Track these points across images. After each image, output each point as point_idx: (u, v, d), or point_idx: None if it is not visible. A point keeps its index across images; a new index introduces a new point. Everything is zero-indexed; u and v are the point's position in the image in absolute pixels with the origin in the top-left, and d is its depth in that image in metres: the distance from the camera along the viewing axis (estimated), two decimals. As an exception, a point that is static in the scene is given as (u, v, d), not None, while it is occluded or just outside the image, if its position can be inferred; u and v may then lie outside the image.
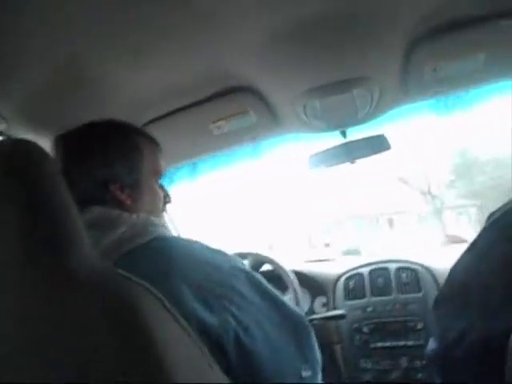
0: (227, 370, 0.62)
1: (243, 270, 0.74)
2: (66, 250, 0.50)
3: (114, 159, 0.80)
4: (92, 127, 0.82)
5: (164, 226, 0.79)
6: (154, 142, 0.90)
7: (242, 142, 1.35)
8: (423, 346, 1.39)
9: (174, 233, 1.71)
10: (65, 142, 0.82)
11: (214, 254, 0.74)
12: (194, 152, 1.42)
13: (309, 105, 1.11)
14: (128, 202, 0.79)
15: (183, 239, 0.77)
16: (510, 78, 1.17)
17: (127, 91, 1.01)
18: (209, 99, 1.13)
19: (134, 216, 0.75)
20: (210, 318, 0.63)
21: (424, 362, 1.38)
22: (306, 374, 0.76)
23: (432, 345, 0.70)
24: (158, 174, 0.89)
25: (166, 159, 1.39)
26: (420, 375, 1.38)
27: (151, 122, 1.18)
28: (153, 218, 0.78)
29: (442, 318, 0.67)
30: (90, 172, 0.78)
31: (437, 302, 0.71)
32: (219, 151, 1.43)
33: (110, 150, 0.81)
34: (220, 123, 1.20)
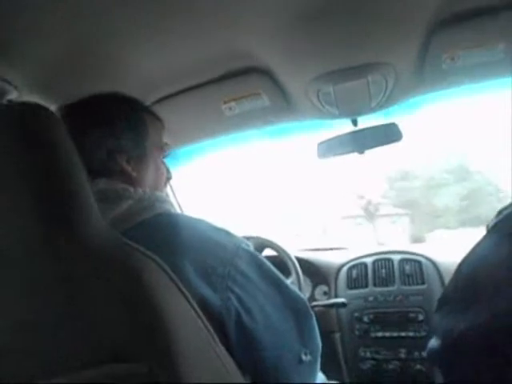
0: (227, 349, 0.63)
1: (247, 251, 0.74)
2: (77, 219, 0.51)
3: (121, 131, 0.80)
4: (99, 98, 0.82)
5: (169, 202, 0.79)
6: (158, 119, 0.90)
7: (253, 124, 1.34)
8: (423, 338, 1.39)
9: (178, 210, 1.72)
10: (71, 111, 0.82)
11: (218, 233, 0.73)
12: (205, 132, 1.42)
13: (323, 90, 1.10)
14: (134, 174, 0.80)
15: (188, 216, 0.77)
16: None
17: (139, 68, 1.00)
18: (221, 79, 1.12)
19: (140, 190, 0.75)
20: (213, 297, 0.64)
21: (423, 353, 1.39)
22: (305, 358, 0.76)
23: (434, 343, 0.70)
24: (161, 150, 0.90)
25: (176, 138, 1.40)
26: (418, 366, 1.39)
27: (162, 99, 1.17)
28: (159, 194, 0.78)
29: (446, 317, 0.67)
30: (98, 142, 0.78)
31: (441, 301, 0.71)
32: (230, 133, 1.43)
33: (117, 121, 0.81)
34: (232, 104, 1.19)
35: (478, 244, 0.64)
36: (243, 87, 1.13)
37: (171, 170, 0.96)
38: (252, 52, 1.00)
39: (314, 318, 0.82)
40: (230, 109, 1.21)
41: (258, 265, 0.74)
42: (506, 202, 0.63)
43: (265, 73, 1.08)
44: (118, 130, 0.80)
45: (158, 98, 1.18)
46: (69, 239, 0.49)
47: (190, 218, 0.76)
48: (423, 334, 1.40)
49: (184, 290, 0.55)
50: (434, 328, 0.70)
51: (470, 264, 0.64)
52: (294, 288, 0.80)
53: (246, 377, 0.68)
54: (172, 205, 0.80)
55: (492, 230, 0.62)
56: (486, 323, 0.56)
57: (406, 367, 1.41)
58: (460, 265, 0.66)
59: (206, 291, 0.63)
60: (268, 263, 0.77)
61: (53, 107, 0.97)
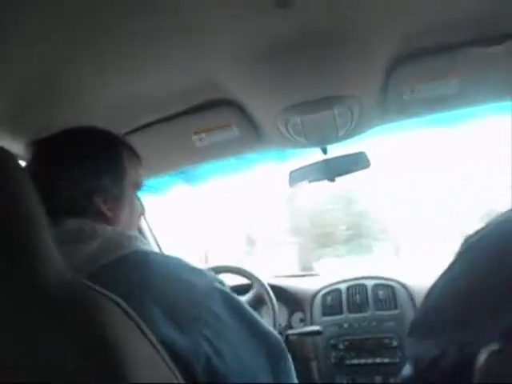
0: None
1: (220, 290, 0.71)
2: (33, 263, 0.49)
3: (101, 170, 0.78)
4: (74, 133, 0.80)
5: (141, 239, 0.76)
6: (135, 154, 0.89)
7: (224, 155, 1.36)
8: (398, 364, 1.40)
9: (153, 246, 1.70)
10: (45, 146, 0.79)
11: (190, 273, 0.71)
12: (175, 163, 1.42)
13: (291, 121, 1.13)
14: (109, 213, 0.78)
15: (160, 255, 0.75)
16: (486, 103, 1.21)
17: (107, 100, 1.01)
18: (192, 111, 1.13)
19: (109, 229, 0.72)
20: (181, 340, 0.61)
21: (398, 380, 1.38)
22: None
23: (407, 370, 0.70)
24: (137, 186, 0.88)
25: (146, 170, 1.39)
26: (394, 393, 1.39)
27: (132, 131, 1.17)
28: (129, 232, 0.75)
29: (417, 344, 0.68)
30: (75, 181, 0.75)
31: (412, 327, 0.71)
32: (201, 163, 1.43)
33: (98, 159, 0.79)
34: (202, 135, 1.20)
35: (445, 271, 0.65)
36: (214, 119, 1.15)
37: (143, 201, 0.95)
38: (222, 84, 1.02)
39: (290, 357, 0.80)
40: (201, 140, 1.22)
41: (232, 305, 0.72)
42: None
43: (235, 105, 1.10)
44: (97, 169, 0.78)
45: (129, 129, 1.18)
46: (24, 285, 0.48)
47: (162, 257, 0.73)
48: (397, 360, 1.40)
49: (149, 333, 0.53)
50: (407, 354, 0.70)
51: (436, 292, 0.66)
52: (270, 328, 0.78)
53: None
54: (145, 242, 0.77)
55: (456, 259, 0.64)
56: (451, 353, 0.57)
57: (382, 394, 1.41)
58: (429, 291, 0.67)
59: (175, 335, 0.60)
60: (243, 302, 0.75)
61: (19, 143, 0.96)
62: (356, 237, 2.61)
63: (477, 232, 0.62)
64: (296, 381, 0.81)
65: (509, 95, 1.14)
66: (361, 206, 2.70)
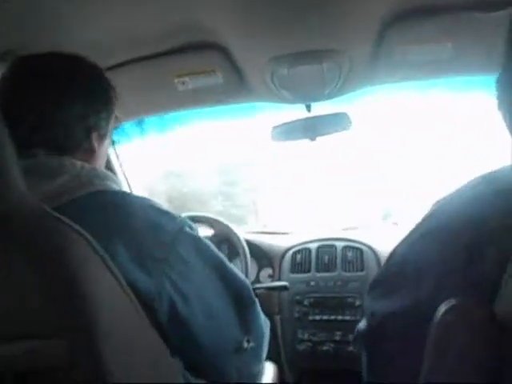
0: (160, 334, 0.61)
1: (189, 234, 0.71)
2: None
3: (100, 106, 0.76)
4: (62, 60, 0.75)
5: (112, 178, 0.74)
6: (114, 89, 0.84)
7: (207, 102, 1.32)
8: (358, 322, 1.44)
9: (125, 188, 1.67)
10: (32, 68, 0.73)
11: (160, 214, 0.70)
12: (156, 106, 1.38)
13: (277, 72, 1.09)
14: (97, 150, 0.76)
15: (131, 195, 0.73)
16: (477, 74, 1.20)
17: (86, 33, 0.95)
18: (175, 51, 1.08)
19: (79, 165, 0.69)
20: (146, 282, 0.61)
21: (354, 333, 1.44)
22: (247, 345, 0.76)
23: (363, 323, 0.73)
24: (115, 124, 0.86)
25: (125, 110, 1.34)
26: (351, 348, 1.45)
27: (111, 68, 1.11)
28: (100, 170, 0.73)
29: (375, 300, 0.69)
30: (77, 117, 0.72)
31: (372, 285, 0.73)
32: (183, 109, 1.39)
33: (96, 94, 0.76)
34: (185, 79, 1.16)
35: (411, 232, 0.66)
36: (198, 62, 1.10)
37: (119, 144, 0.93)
38: (209, 26, 0.97)
39: (258, 305, 0.82)
40: (183, 83, 1.17)
41: (201, 249, 0.72)
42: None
43: (221, 49, 1.06)
44: (97, 104, 0.75)
45: (108, 65, 1.12)
46: None
47: (132, 197, 0.72)
48: (358, 317, 1.45)
49: (114, 268, 0.52)
50: (365, 309, 0.72)
51: (400, 251, 0.67)
52: (239, 274, 0.79)
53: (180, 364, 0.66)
54: (115, 181, 0.75)
55: (423, 221, 0.65)
56: (407, 309, 0.58)
57: (340, 349, 1.46)
58: (393, 250, 0.68)
59: (138, 275, 0.60)
60: (213, 248, 0.75)
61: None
62: (231, 207, 2.63)
63: (445, 196, 0.62)
64: (264, 326, 0.83)
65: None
66: (234, 176, 2.69)
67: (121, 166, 1.68)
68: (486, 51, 1.05)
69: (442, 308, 0.45)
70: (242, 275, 0.80)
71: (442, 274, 0.54)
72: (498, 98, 0.58)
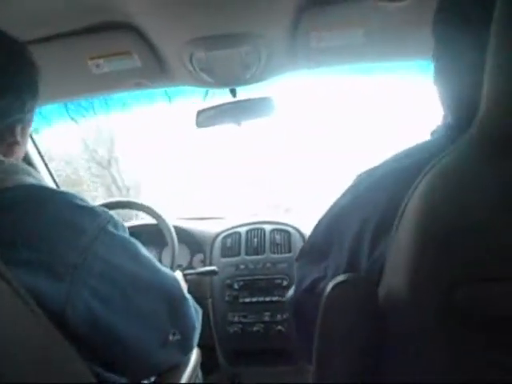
0: (74, 340, 0.57)
1: (111, 233, 0.66)
2: None
3: (26, 96, 0.68)
4: None
5: (28, 172, 0.67)
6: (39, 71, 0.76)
7: (125, 86, 1.26)
8: (285, 302, 1.50)
9: (46, 180, 1.58)
10: None
11: (79, 213, 0.64)
12: (71, 90, 1.30)
13: (196, 55, 1.07)
14: (20, 141, 0.70)
15: (47, 190, 0.65)
16: (389, 60, 1.25)
17: None
18: (88, 31, 1.02)
19: None
20: (54, 287, 0.56)
21: (284, 315, 1.50)
22: (172, 338, 0.75)
23: (291, 291, 0.75)
24: None
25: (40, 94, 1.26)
26: (279, 327, 1.49)
27: None
28: (9, 163, 0.65)
29: (302, 267, 0.72)
30: (3, 114, 0.65)
31: (300, 253, 0.75)
32: (100, 93, 1.33)
33: (22, 79, 0.68)
34: (100, 61, 1.10)
35: (334, 204, 0.68)
36: (112, 44, 1.05)
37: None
38: (123, 6, 0.93)
39: (189, 301, 0.81)
40: (98, 66, 1.12)
41: (125, 247, 0.68)
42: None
43: (135, 30, 1.02)
44: (23, 96, 0.68)
45: None
46: None
47: (49, 194, 0.64)
48: (285, 298, 1.50)
49: (7, 276, 0.48)
50: (294, 278, 0.74)
51: (324, 221, 0.69)
52: (168, 271, 0.77)
53: (95, 366, 0.62)
54: (34, 175, 0.68)
55: (345, 192, 0.67)
56: (330, 275, 0.61)
57: (268, 329, 1.50)
58: (318, 221, 0.70)
59: (46, 283, 0.55)
60: (137, 245, 0.71)
61: None
62: (103, 186, 2.64)
63: (368, 169, 0.65)
64: (194, 319, 0.82)
65: (413, 54, 1.19)
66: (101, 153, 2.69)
67: (40, 155, 1.59)
68: (395, 38, 1.10)
69: (331, 283, 0.47)
70: (170, 272, 0.78)
71: (356, 245, 0.57)
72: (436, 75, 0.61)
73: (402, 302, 0.40)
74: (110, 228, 0.66)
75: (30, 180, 0.65)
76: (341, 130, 2.27)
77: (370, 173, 0.64)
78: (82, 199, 0.66)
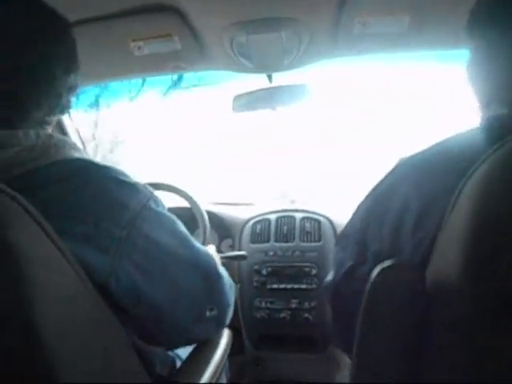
0: (116, 311, 0.60)
1: (153, 210, 0.68)
2: None
3: (74, 64, 0.72)
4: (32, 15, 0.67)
5: (72, 145, 0.69)
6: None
7: (165, 68, 1.28)
8: (314, 290, 1.50)
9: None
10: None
11: (122, 188, 0.65)
12: (112, 71, 1.32)
13: (236, 39, 1.07)
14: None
15: (92, 165, 0.66)
16: (434, 49, 1.21)
17: None
18: (130, 14, 1.04)
19: (33, 135, 0.64)
20: (98, 260, 0.58)
21: (312, 303, 1.50)
22: (209, 314, 0.77)
23: (329, 276, 0.75)
24: None
25: (82, 74, 1.29)
26: (306, 315, 1.50)
27: None
28: (57, 137, 0.67)
29: (340, 252, 0.72)
30: (60, 78, 0.68)
31: (339, 237, 0.75)
32: (140, 75, 1.35)
33: (72, 49, 0.72)
34: (141, 43, 1.12)
35: (374, 188, 0.68)
36: (154, 26, 1.06)
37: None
38: None
39: (224, 278, 0.82)
40: (139, 48, 1.13)
41: (166, 225, 0.70)
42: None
43: (177, 13, 1.02)
44: (74, 63, 0.71)
45: None
46: None
47: (93, 167, 0.66)
48: (314, 286, 1.50)
49: (53, 233, 0.50)
50: (332, 261, 0.74)
51: (363, 206, 0.69)
52: (205, 249, 0.78)
53: (133, 337, 0.65)
54: (75, 148, 0.69)
55: (386, 177, 0.67)
56: (370, 260, 0.61)
57: (296, 316, 1.51)
58: (358, 206, 0.70)
59: (93, 254, 0.57)
60: (178, 223, 0.73)
61: None
62: None
63: (410, 155, 0.64)
64: (229, 295, 0.84)
65: (456, 43, 1.15)
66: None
67: (78, 131, 1.63)
68: (441, 26, 1.06)
69: (377, 268, 0.47)
70: (206, 249, 0.79)
71: (397, 230, 0.56)
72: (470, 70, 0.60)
73: (454, 287, 0.39)
74: (152, 204, 0.68)
75: (76, 154, 0.67)
76: (375, 122, 2.22)
77: (411, 158, 0.63)
78: (124, 174, 0.68)
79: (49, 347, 0.43)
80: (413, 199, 0.55)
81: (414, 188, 0.56)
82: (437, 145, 0.60)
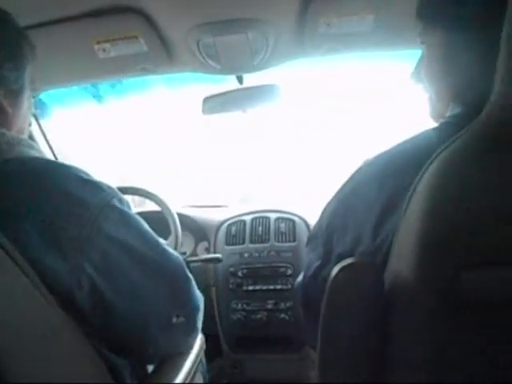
0: (81, 320, 0.58)
1: (116, 209, 0.65)
2: None
3: (2, 59, 0.67)
4: None
5: (29, 144, 0.67)
6: (34, 50, 0.76)
7: (132, 71, 1.25)
8: (289, 290, 1.50)
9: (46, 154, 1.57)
10: None
11: (83, 186, 0.63)
12: (77, 74, 1.29)
13: (203, 41, 1.06)
14: (10, 111, 0.68)
15: (48, 163, 0.65)
16: (399, 48, 1.23)
17: None
18: (94, 14, 1.02)
19: None
20: (60, 265, 0.55)
21: (288, 303, 1.50)
22: (176, 320, 0.74)
23: (300, 277, 0.76)
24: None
25: (45, 77, 1.26)
26: (283, 315, 1.50)
27: (26, 28, 1.02)
28: (11, 135, 0.65)
29: (309, 254, 0.72)
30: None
31: (308, 238, 0.76)
32: (106, 78, 1.32)
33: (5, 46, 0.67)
34: (106, 45, 1.10)
35: (339, 190, 0.68)
36: (118, 28, 1.04)
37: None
38: None
39: (192, 281, 0.80)
40: (104, 50, 1.11)
41: (130, 225, 0.67)
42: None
43: (142, 14, 1.01)
44: (1, 57, 0.66)
45: (22, 25, 1.03)
46: None
47: (53, 166, 0.64)
48: (289, 286, 1.50)
49: (18, 259, 0.48)
50: (304, 263, 0.75)
51: (329, 208, 0.69)
52: (172, 252, 0.76)
53: (97, 347, 0.62)
54: (34, 147, 0.68)
55: (349, 179, 0.67)
56: (334, 260, 0.61)
57: (272, 317, 1.51)
58: (324, 207, 0.70)
59: (52, 258, 0.55)
60: (142, 223, 0.71)
61: None
62: None
63: (373, 156, 0.65)
64: (198, 300, 0.81)
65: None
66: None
67: (42, 131, 1.58)
68: (405, 26, 1.08)
69: (338, 266, 0.47)
70: (175, 253, 0.77)
71: (359, 230, 0.57)
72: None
73: (408, 286, 0.39)
74: (116, 203, 0.65)
75: (33, 153, 0.65)
76: (340, 121, 2.25)
77: (375, 159, 0.64)
78: (86, 173, 0.66)
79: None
80: (375, 200, 0.56)
81: (377, 189, 0.57)
82: (398, 145, 0.61)
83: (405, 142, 0.61)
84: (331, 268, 0.59)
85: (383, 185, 0.56)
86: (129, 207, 0.70)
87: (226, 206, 1.88)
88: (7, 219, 0.50)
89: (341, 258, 0.59)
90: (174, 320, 0.74)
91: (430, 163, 0.41)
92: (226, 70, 1.24)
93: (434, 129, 0.59)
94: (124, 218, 0.66)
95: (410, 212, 0.43)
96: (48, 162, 0.64)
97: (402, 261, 0.42)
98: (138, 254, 0.67)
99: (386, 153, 0.63)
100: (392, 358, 0.42)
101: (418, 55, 1.30)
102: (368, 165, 0.64)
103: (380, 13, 1.01)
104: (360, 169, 0.66)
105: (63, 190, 0.60)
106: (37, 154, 0.66)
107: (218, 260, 1.43)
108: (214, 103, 1.36)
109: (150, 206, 1.65)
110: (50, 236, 0.56)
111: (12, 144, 0.63)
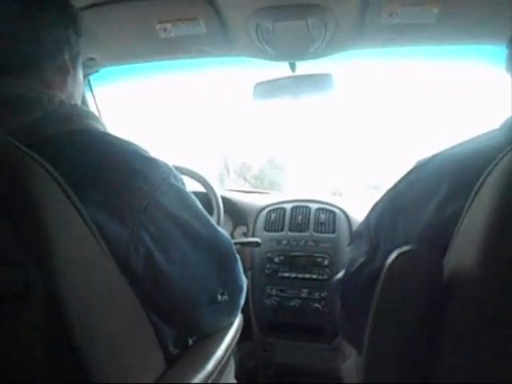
0: (133, 283, 0.61)
1: (173, 185, 0.68)
2: None
3: (70, 19, 0.71)
4: None
5: (95, 117, 0.70)
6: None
7: (189, 52, 1.28)
8: (325, 281, 1.50)
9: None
10: None
11: (143, 162, 0.66)
12: (137, 53, 1.33)
13: (262, 26, 1.06)
14: (72, 72, 0.73)
15: (114, 138, 0.67)
16: (462, 42, 1.19)
17: None
18: None
19: (57, 100, 0.65)
20: (117, 230, 0.59)
21: (322, 294, 1.51)
22: (220, 298, 0.76)
23: (340, 273, 0.76)
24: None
25: (104, 55, 1.31)
26: (316, 305, 1.50)
27: (90, 7, 1.06)
28: (81, 107, 0.69)
29: (352, 251, 0.73)
30: (49, 24, 0.67)
31: (352, 236, 0.76)
32: (164, 58, 1.36)
33: (67, 7, 0.71)
34: (167, 25, 1.12)
35: (391, 189, 0.68)
36: (180, 9, 1.07)
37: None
38: None
39: (239, 261, 0.82)
40: (165, 30, 1.14)
41: (185, 201, 0.70)
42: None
43: None
44: (68, 17, 0.71)
45: (86, 3, 1.07)
46: None
47: (115, 140, 0.67)
48: (325, 277, 1.51)
49: (76, 201, 0.52)
50: (346, 260, 0.75)
51: (379, 205, 0.69)
52: (222, 231, 0.78)
53: (147, 311, 0.65)
54: (99, 121, 0.71)
55: (402, 178, 0.67)
56: (379, 257, 0.61)
57: (305, 305, 1.52)
58: (374, 205, 0.71)
59: (112, 223, 0.58)
60: (196, 201, 0.73)
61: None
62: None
63: (427, 156, 0.64)
64: (242, 281, 0.83)
65: (486, 38, 1.13)
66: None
67: (98, 110, 1.64)
68: (470, 20, 1.04)
69: (394, 254, 0.47)
70: (225, 232, 0.79)
71: (411, 226, 0.57)
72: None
73: (472, 275, 0.39)
74: (172, 180, 0.68)
75: (99, 126, 0.68)
76: (397, 118, 2.19)
77: (428, 160, 0.63)
78: (145, 150, 0.69)
79: (68, 307, 0.45)
80: (432, 195, 0.55)
81: (430, 190, 0.56)
82: (452, 146, 0.60)
83: (465, 143, 0.60)
84: (377, 263, 0.60)
85: (437, 185, 0.55)
86: (183, 184, 0.72)
87: (268, 193, 1.89)
88: (75, 186, 0.53)
89: (389, 254, 0.59)
90: (219, 297, 0.77)
91: (500, 159, 0.41)
92: (280, 56, 1.24)
93: (493, 131, 0.58)
94: (179, 194, 0.69)
95: (475, 208, 0.42)
96: (113, 136, 0.67)
97: (466, 251, 0.42)
98: (190, 230, 0.70)
99: (438, 154, 0.62)
100: (449, 346, 0.42)
101: (481, 51, 1.27)
102: (423, 165, 0.64)
103: (445, 5, 0.98)
104: (413, 169, 0.66)
105: (127, 163, 0.64)
106: (102, 128, 0.69)
107: (257, 244, 1.45)
108: (266, 89, 1.36)
109: (195, 186, 1.69)
110: (113, 203, 0.59)
111: (82, 117, 0.66)
